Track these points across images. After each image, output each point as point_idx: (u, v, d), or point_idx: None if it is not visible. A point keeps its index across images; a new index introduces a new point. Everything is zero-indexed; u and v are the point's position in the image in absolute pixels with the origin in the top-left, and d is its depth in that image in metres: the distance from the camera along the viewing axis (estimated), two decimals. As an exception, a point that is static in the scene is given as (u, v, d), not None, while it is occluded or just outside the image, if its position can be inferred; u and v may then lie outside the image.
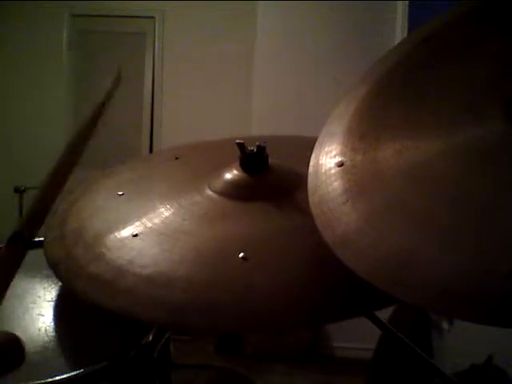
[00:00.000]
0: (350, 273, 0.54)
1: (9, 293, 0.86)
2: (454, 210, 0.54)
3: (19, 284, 0.89)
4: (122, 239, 0.74)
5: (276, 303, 0.62)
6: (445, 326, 2.00)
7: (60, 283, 0.85)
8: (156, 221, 0.76)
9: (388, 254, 0.53)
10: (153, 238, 0.74)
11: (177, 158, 0.97)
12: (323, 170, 0.66)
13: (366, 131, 0.67)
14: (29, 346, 0.73)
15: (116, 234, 0.75)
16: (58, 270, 0.76)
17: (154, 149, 3.26)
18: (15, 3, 3.22)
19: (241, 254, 0.66)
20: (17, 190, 2.48)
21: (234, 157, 0.83)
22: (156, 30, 3.27)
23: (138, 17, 3.31)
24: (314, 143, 0.72)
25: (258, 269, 0.66)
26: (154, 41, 3.28)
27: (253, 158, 0.81)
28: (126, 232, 0.75)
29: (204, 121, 3.07)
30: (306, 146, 0.73)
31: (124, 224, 0.77)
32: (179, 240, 0.72)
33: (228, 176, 0.83)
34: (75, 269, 0.72)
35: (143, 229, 0.75)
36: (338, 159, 0.65)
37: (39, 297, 0.85)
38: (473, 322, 0.47)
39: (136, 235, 0.74)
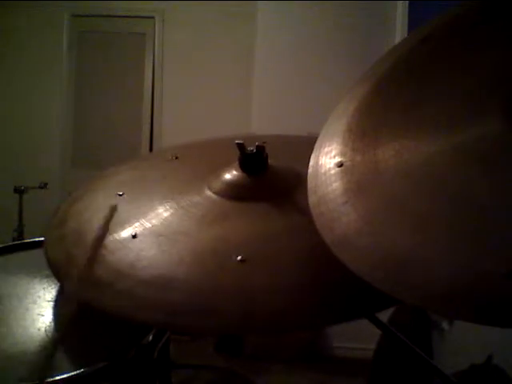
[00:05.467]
0: (349, 274, 0.54)
1: (9, 293, 0.86)
2: (453, 210, 0.54)
3: (19, 284, 0.89)
4: (122, 240, 0.74)
5: (275, 305, 0.62)
6: (445, 326, 2.00)
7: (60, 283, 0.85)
8: (155, 222, 0.76)
9: (387, 255, 0.53)
10: (152, 239, 0.73)
11: (176, 158, 0.97)
12: (323, 171, 0.66)
13: (365, 131, 0.67)
14: (29, 346, 0.73)
15: (115, 235, 0.75)
16: (58, 271, 0.76)
17: (154, 149, 3.26)
18: (15, 3, 3.22)
19: (238, 257, 0.66)
20: (17, 190, 2.48)
21: (234, 156, 0.83)
22: (156, 30, 3.27)
23: (138, 17, 3.31)
24: (314, 142, 0.71)
25: (256, 270, 0.66)
26: (154, 41, 3.27)
27: (252, 159, 0.81)
28: (126, 233, 0.75)
29: (204, 120, 3.07)
30: (306, 145, 0.73)
31: (123, 225, 0.77)
32: (178, 241, 0.72)
33: (227, 176, 0.83)
34: (74, 271, 0.72)
35: (142, 230, 0.75)
36: (338, 159, 0.65)
37: (39, 297, 0.85)
38: (472, 322, 0.47)
39: (135, 236, 0.74)
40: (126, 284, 0.66)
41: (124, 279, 0.67)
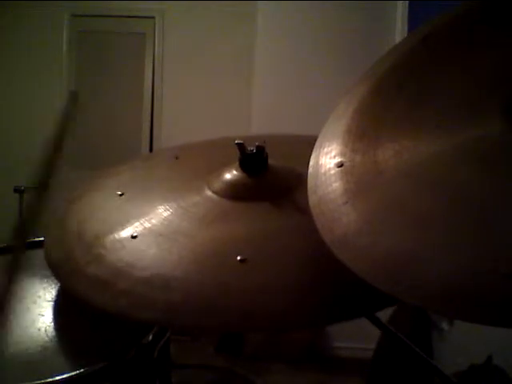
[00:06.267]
0: (349, 273, 0.54)
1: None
2: (453, 210, 0.54)
3: (19, 284, 0.89)
4: (121, 240, 0.74)
5: (275, 304, 0.62)
6: (445, 326, 2.00)
7: (60, 283, 0.85)
8: (155, 222, 0.76)
9: (387, 255, 0.53)
10: (151, 239, 0.73)
11: (177, 158, 0.97)
12: (323, 171, 0.66)
13: (365, 131, 0.67)
14: (29, 346, 0.73)
15: (115, 234, 0.75)
16: (58, 270, 0.76)
17: (154, 149, 3.26)
18: (15, 3, 3.22)
19: (238, 257, 0.66)
20: (17, 190, 2.48)
21: (234, 156, 0.83)
22: (156, 30, 3.27)
23: (138, 17, 3.31)
24: (314, 142, 0.71)
25: (256, 269, 0.66)
26: (154, 41, 3.28)
27: (252, 159, 0.81)
28: (125, 233, 0.75)
29: (204, 121, 3.07)
30: (306, 145, 0.73)
31: (123, 225, 0.77)
32: (178, 241, 0.72)
33: (227, 176, 0.83)
34: (74, 270, 0.72)
35: (142, 230, 0.75)
36: (338, 160, 0.65)
37: (39, 297, 0.85)
38: (473, 322, 0.47)
39: (135, 236, 0.74)
40: (126, 283, 0.66)
41: (124, 279, 0.67)
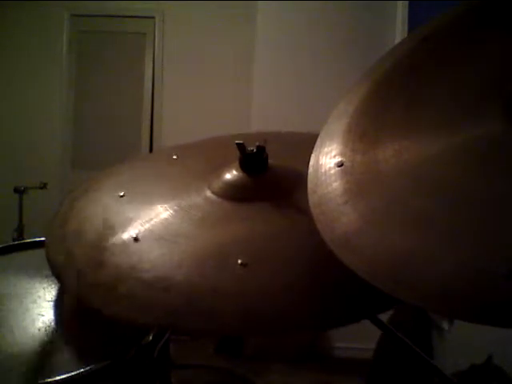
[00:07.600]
0: (350, 274, 0.54)
1: (9, 293, 0.86)
2: (453, 210, 0.54)
3: (19, 284, 0.89)
4: (123, 243, 0.73)
5: (275, 306, 0.62)
6: (445, 326, 1.99)
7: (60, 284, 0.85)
8: (156, 223, 0.76)
9: (388, 254, 0.53)
10: (152, 241, 0.73)
11: (177, 158, 0.97)
12: (323, 170, 0.66)
13: (365, 131, 0.67)
14: (29, 346, 0.73)
15: (116, 236, 0.75)
16: (59, 272, 0.76)
17: (154, 149, 3.26)
18: (15, 3, 3.22)
19: (239, 259, 0.66)
20: (17, 190, 2.49)
21: (234, 155, 0.83)
22: (156, 30, 3.27)
23: (138, 17, 3.31)
24: (314, 140, 0.71)
25: (257, 271, 0.65)
26: (154, 41, 3.28)
27: (252, 159, 0.81)
28: (126, 235, 0.74)
29: (204, 120, 3.07)
30: (306, 144, 0.73)
31: (124, 226, 0.76)
32: (178, 243, 0.72)
33: (228, 177, 0.82)
34: (75, 272, 0.72)
35: (143, 232, 0.74)
36: (338, 159, 0.65)
37: (39, 297, 0.85)
38: (472, 322, 0.47)
39: (136, 238, 0.73)
40: (127, 286, 0.66)
41: (125, 282, 0.67)
